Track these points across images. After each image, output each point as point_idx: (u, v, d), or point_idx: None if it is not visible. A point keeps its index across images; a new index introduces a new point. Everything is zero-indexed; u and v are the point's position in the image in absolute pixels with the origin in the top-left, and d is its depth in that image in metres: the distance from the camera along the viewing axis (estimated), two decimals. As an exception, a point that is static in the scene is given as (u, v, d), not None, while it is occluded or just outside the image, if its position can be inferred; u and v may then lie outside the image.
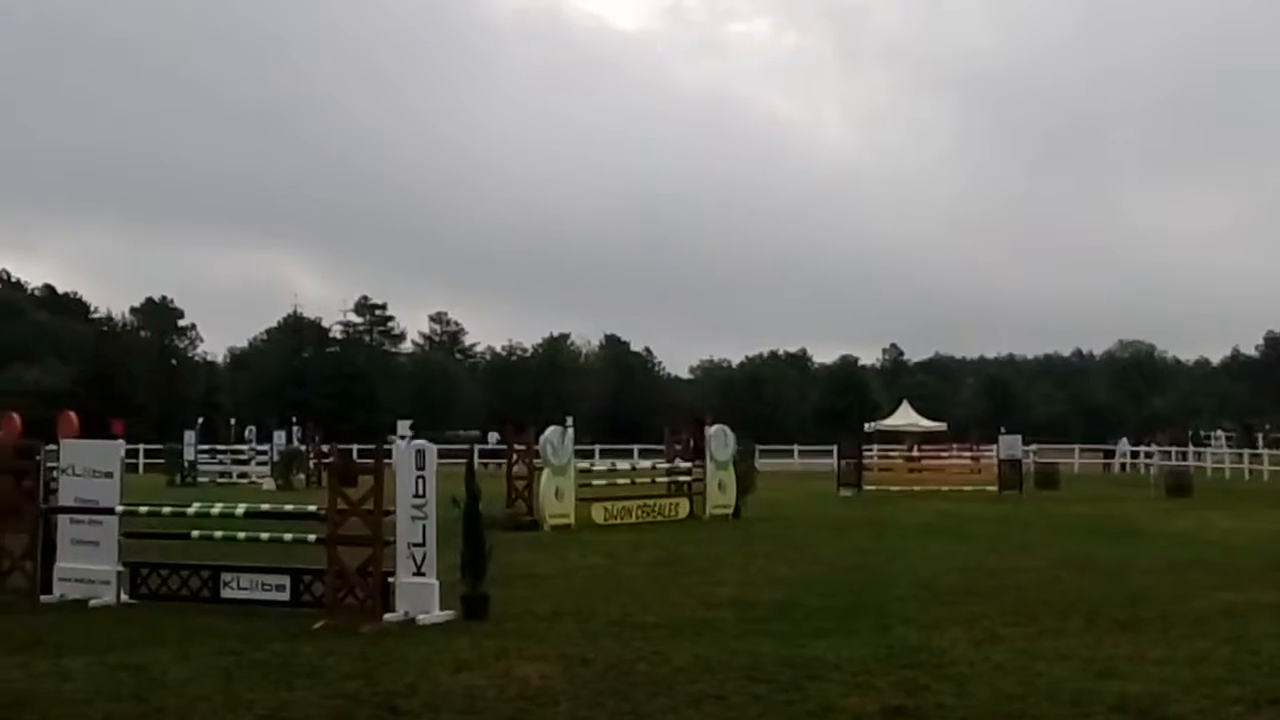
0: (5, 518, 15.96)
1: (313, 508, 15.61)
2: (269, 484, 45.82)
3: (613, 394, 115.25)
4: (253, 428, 54.87)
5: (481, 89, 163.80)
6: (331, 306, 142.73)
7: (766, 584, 17.27)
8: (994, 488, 42.06)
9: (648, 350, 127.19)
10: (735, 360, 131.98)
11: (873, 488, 42.49)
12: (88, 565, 15.64)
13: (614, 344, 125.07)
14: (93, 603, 15.26)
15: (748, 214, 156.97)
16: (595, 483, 30.17)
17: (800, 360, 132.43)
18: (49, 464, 16.40)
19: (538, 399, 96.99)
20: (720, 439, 31.45)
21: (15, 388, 78.19)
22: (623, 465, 34.81)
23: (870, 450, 56.65)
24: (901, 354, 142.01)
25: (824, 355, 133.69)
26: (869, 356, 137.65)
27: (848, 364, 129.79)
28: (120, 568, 15.56)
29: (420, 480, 14.07)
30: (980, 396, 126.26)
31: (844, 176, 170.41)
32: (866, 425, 71.78)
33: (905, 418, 76.65)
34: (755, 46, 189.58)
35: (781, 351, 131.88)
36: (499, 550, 14.99)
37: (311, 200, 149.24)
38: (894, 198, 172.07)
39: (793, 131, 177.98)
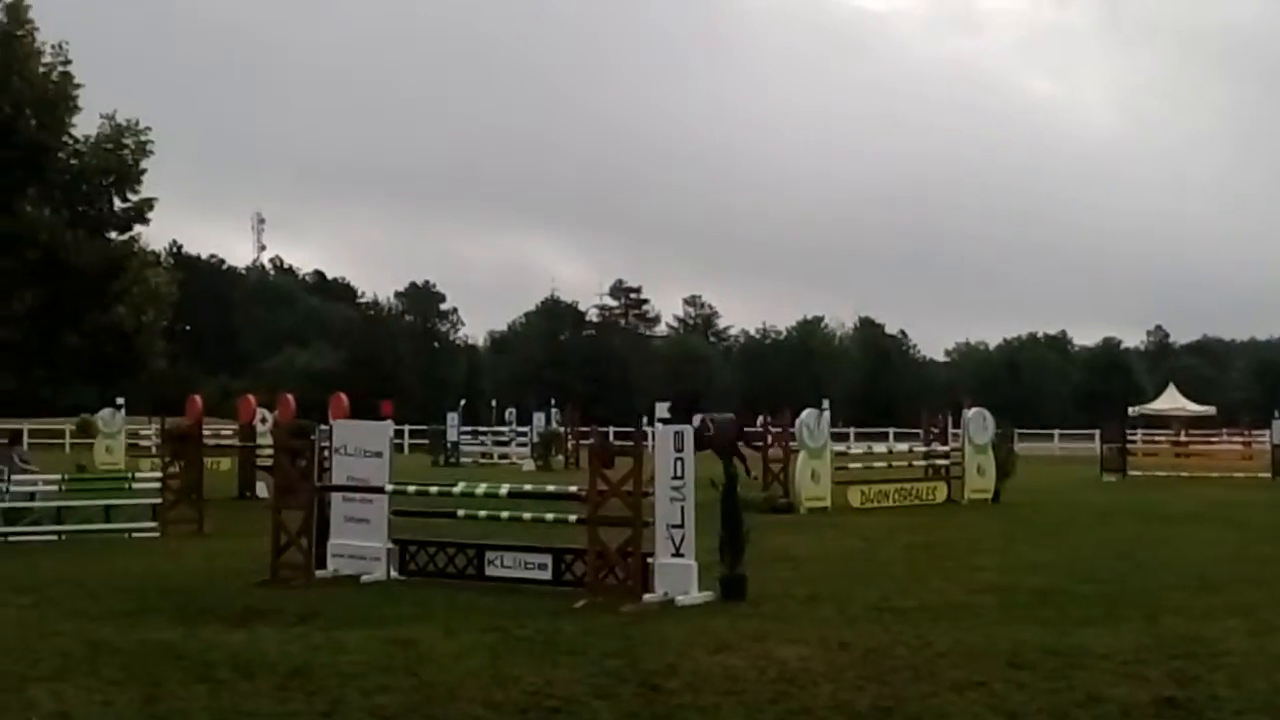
0: (282, 495, 16.64)
1: (574, 488, 15.87)
2: (529, 465, 46.71)
3: (867, 377, 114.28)
4: (513, 410, 56.00)
5: (732, 72, 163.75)
6: (588, 290, 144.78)
7: (1028, 570, 16.93)
8: (1267, 474, 40.45)
9: (902, 332, 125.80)
10: (993, 342, 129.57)
11: (1137, 473, 41.26)
12: (359, 542, 16.21)
13: (868, 326, 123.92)
14: (364, 578, 15.80)
15: (1006, 193, 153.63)
16: (851, 466, 29.97)
17: (1060, 342, 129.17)
18: (322, 444, 17.03)
19: (791, 382, 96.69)
20: (979, 422, 30.92)
21: (289, 370, 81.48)
22: (879, 448, 34.53)
23: (1134, 435, 55.01)
24: (1167, 336, 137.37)
25: (1085, 337, 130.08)
26: (1132, 339, 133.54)
27: (1110, 346, 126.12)
28: (390, 545, 16.07)
29: (679, 462, 14.18)
30: (1251, 380, 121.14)
31: (1106, 153, 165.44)
32: (1130, 409, 69.68)
33: (1171, 402, 74.14)
34: (1012, 23, 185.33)
35: (1041, 333, 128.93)
36: (755, 532, 15.02)
37: (569, 184, 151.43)
38: (1158, 174, 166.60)
39: (1052, 108, 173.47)
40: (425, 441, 55.83)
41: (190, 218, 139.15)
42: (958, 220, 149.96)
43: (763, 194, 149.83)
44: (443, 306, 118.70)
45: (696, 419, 31.55)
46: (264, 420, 32.75)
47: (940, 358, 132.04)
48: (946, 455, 30.92)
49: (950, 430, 31.89)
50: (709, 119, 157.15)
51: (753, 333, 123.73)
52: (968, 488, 29.96)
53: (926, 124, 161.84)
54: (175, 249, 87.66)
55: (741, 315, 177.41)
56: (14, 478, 22.96)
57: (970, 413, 31.24)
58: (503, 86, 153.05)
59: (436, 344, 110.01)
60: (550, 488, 17.73)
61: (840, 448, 31.71)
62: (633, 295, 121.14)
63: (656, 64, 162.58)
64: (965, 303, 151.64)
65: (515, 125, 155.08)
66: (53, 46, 24.85)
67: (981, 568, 17.22)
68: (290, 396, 33.49)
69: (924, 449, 31.90)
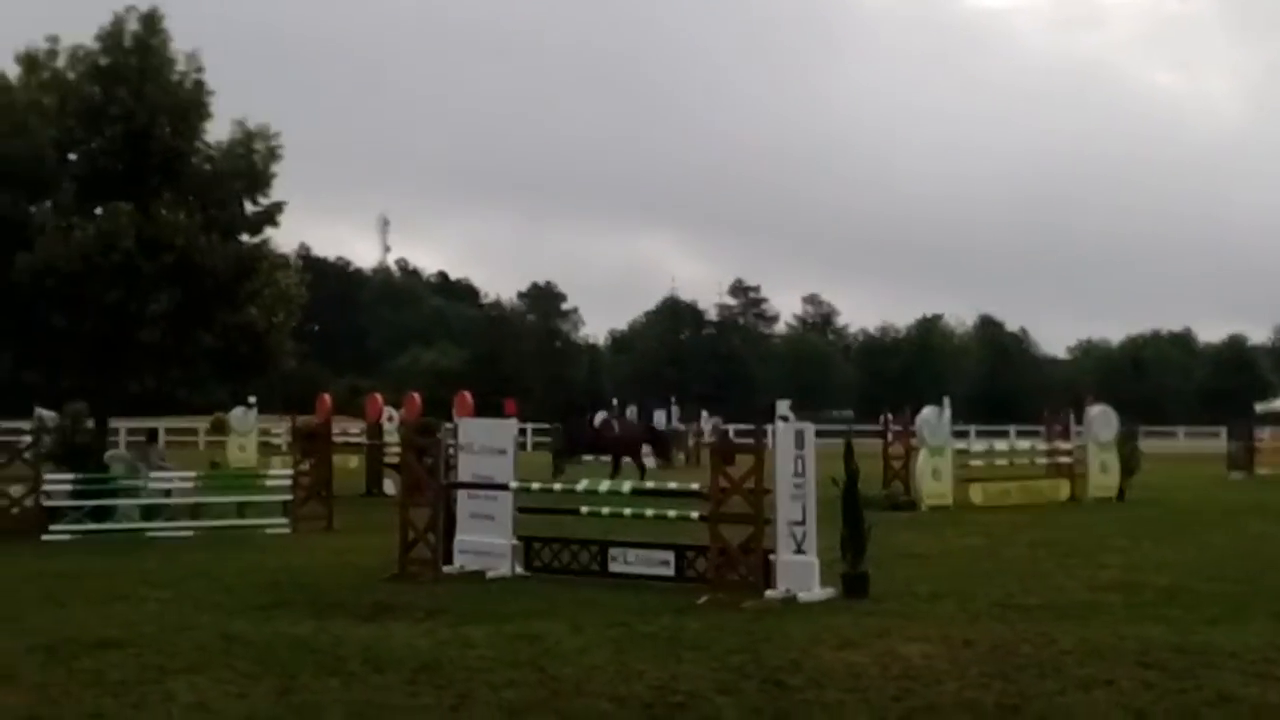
0: (410, 492, 16.95)
1: (695, 486, 15.97)
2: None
3: (987, 374, 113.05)
4: (633, 408, 56.18)
5: (850, 71, 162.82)
6: (707, 289, 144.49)
7: (1153, 568, 16.74)
8: (1400, 472, 39.49)
9: (1023, 330, 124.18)
10: (1115, 339, 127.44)
11: (1265, 471, 40.51)
12: (485, 538, 16.45)
13: (988, 324, 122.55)
14: (490, 574, 16.03)
15: (1128, 188, 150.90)
16: (973, 463, 29.79)
17: (1184, 339, 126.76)
18: (448, 442, 17.31)
19: (911, 380, 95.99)
20: (1103, 419, 30.57)
21: (414, 369, 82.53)
22: (1000, 445, 34.24)
23: (1263, 433, 53.91)
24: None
25: (1210, 334, 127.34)
26: (1259, 335, 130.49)
27: (1236, 342, 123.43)
28: (515, 541, 16.29)
29: (799, 460, 14.24)
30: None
31: (1232, 146, 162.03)
32: (1257, 406, 68.22)
33: (1298, 399, 72.36)
34: (1134, 15, 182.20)
35: (1164, 330, 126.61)
36: (877, 529, 15.03)
37: (688, 184, 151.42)
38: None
39: (1175, 101, 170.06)
40: (549, 439, 56.19)
41: (317, 221, 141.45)
42: (1079, 216, 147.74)
43: (882, 192, 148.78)
44: (564, 306, 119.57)
45: (601, 416, 31.62)
46: (390, 419, 33.27)
47: (1062, 355, 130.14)
48: (1069, 452, 30.59)
49: (1073, 427, 31.52)
50: (827, 118, 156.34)
51: (872, 331, 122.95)
52: (1091, 485, 29.63)
53: (1048, 120, 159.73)
54: (304, 251, 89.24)
55: (861, 313, 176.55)
56: (152, 475, 23.59)
57: (1094, 410, 30.89)
58: (622, 88, 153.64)
59: (558, 343, 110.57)
60: (672, 485, 17.81)
61: (961, 445, 31.45)
62: (752, 294, 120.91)
63: (775, 63, 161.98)
64: (1087, 300, 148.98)
65: (635, 126, 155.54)
66: (186, 55, 25.46)
67: (1106, 565, 17.07)
68: (416, 395, 34.04)
69: (1046, 446, 31.59)
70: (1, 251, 23.23)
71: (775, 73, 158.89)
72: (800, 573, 14.01)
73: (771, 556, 14.14)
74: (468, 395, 32.69)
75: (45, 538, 21.13)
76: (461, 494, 16.79)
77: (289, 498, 23.20)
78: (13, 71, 25.01)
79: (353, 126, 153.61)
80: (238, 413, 42.38)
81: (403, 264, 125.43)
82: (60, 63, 25.32)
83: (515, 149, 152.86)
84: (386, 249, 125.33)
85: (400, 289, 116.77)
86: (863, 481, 15.12)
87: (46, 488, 22.23)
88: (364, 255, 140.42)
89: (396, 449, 28.47)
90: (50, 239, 22.85)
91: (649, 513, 15.77)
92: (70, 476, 22.64)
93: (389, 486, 29.94)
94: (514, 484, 16.36)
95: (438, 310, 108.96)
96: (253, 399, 41.64)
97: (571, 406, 33.13)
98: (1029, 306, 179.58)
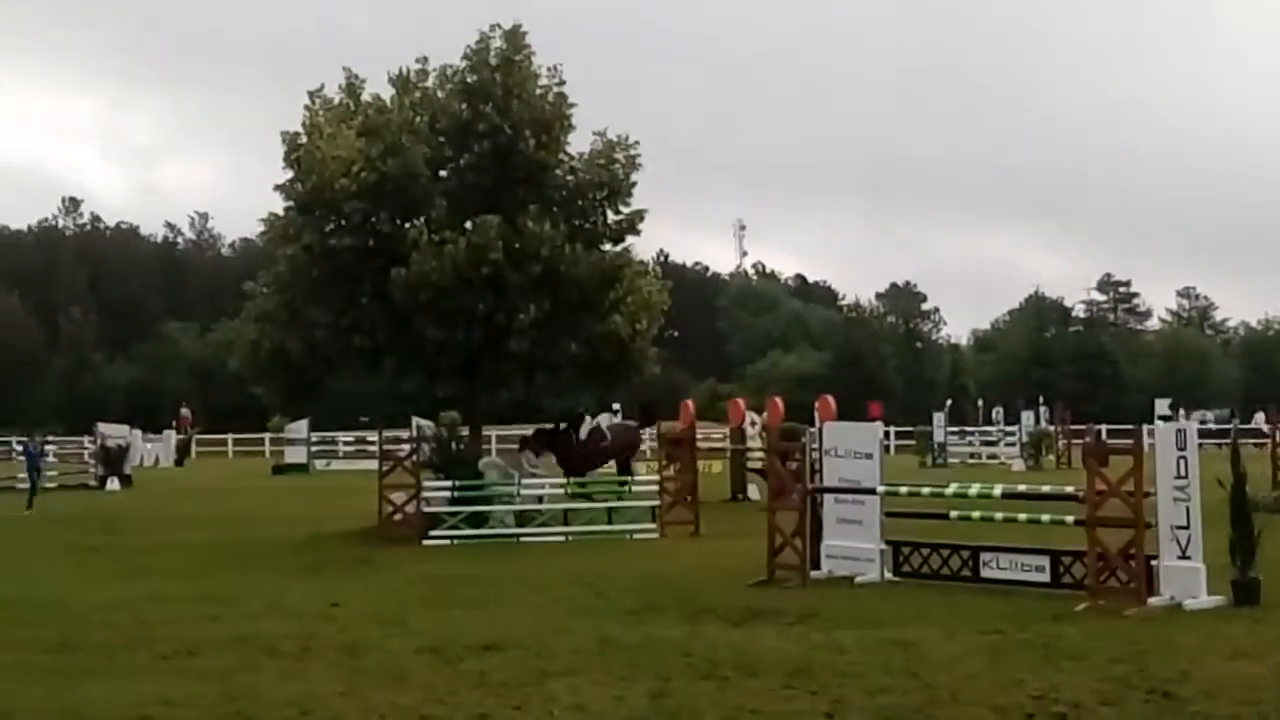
0: (775, 497, 16.93)
1: (1070, 489, 15.46)
2: (1018, 464, 45.74)
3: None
4: (999, 409, 55.07)
5: (1219, 59, 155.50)
6: (1073, 285, 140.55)
7: None
8: None
9: None
10: None
11: None
12: (852, 543, 16.31)
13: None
14: (858, 579, 15.87)
15: None
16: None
17: None
18: (812, 446, 17.22)
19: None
20: None
21: (774, 373, 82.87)
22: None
23: None
24: None
25: None
26: None
27: None
28: (883, 546, 16.09)
29: (1182, 461, 13.60)
30: None
31: None
32: None
33: None
34: None
35: None
36: (1266, 533, 14.20)
37: (1049, 178, 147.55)
38: None
39: None
40: (911, 442, 55.54)
41: (675, 227, 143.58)
42: None
43: (1260, 181, 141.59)
44: (924, 306, 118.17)
45: (589, 424, 29.20)
46: (753, 423, 33.38)
47: None
48: None
49: None
50: (1195, 108, 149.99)
51: (1254, 324, 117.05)
52: None
53: None
54: (662, 258, 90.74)
55: (1241, 307, 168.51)
56: (524, 481, 24.28)
57: None
58: (982, 85, 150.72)
59: (919, 344, 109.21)
60: (1045, 488, 17.28)
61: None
62: (1122, 289, 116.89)
63: (1142, 51, 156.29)
64: None
65: (990, 121, 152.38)
66: (548, 69, 26.11)
67: None
68: (778, 399, 34.07)
69: None
70: (380, 267, 24.28)
71: (1137, 54, 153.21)
72: (1185, 579, 13.37)
73: (1154, 562, 13.54)
74: (830, 399, 32.56)
75: (425, 543, 21.99)
76: (828, 498, 16.69)
77: (656, 503, 23.51)
78: (387, 93, 26.15)
79: (709, 132, 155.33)
80: (602, 419, 43.26)
81: (759, 267, 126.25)
82: (430, 83, 26.36)
83: (867, 147, 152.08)
84: (743, 253, 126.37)
85: (758, 293, 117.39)
86: (1249, 484, 14.35)
87: (426, 494, 23.15)
88: (720, 260, 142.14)
89: (760, 454, 28.54)
90: (424, 254, 23.72)
91: (1021, 517, 15.31)
92: (448, 484, 23.51)
93: (753, 491, 30.05)
94: (881, 488, 16.16)
95: (796, 313, 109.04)
96: (616, 406, 42.46)
97: (562, 420, 28.51)
98: None
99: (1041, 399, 55.30)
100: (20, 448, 40.46)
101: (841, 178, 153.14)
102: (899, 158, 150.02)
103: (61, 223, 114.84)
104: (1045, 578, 14.73)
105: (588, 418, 30.03)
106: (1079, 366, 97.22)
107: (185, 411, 66.27)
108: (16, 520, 29.01)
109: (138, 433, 52.31)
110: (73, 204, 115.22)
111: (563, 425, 28.74)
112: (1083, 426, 48.80)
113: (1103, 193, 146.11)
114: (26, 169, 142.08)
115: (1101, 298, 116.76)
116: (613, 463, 30.06)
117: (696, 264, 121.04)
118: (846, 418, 23.42)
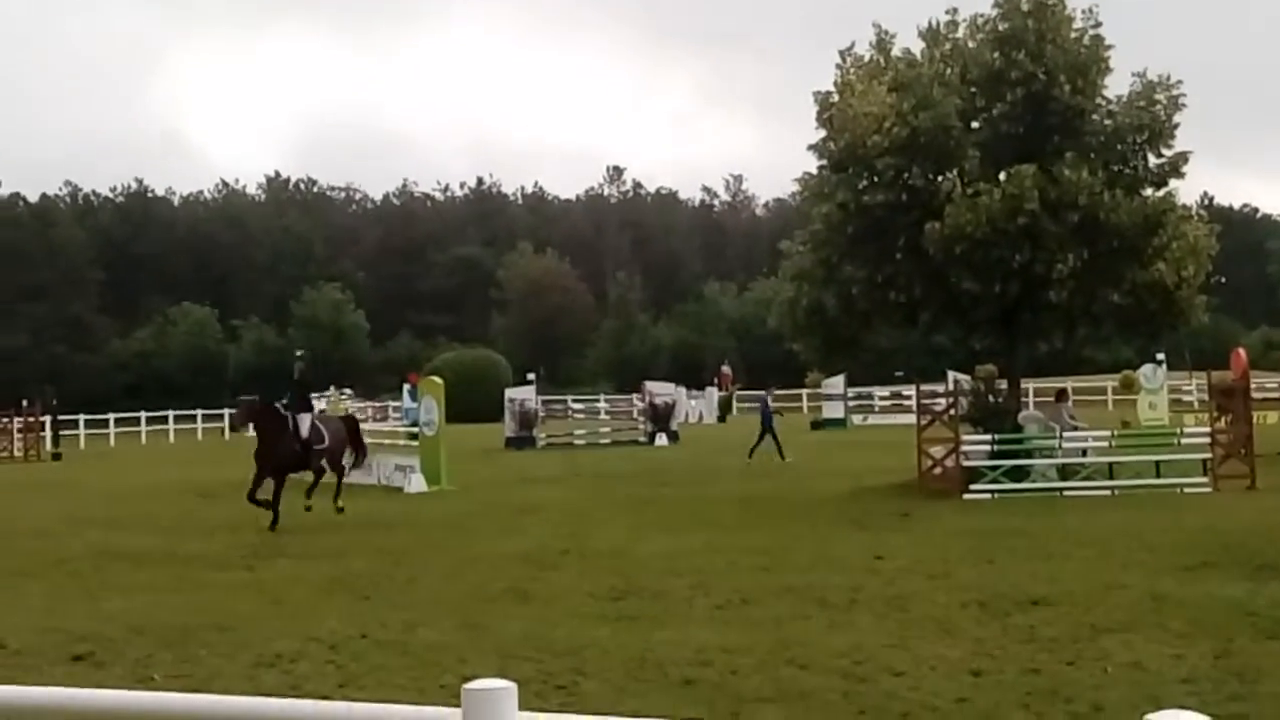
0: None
1: None
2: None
3: None
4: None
5: None
6: None
7: None
8: None
9: None
10: None
11: None
12: None
13: None
14: None
15: None
16: None
17: None
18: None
19: None
20: None
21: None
22: None
23: None
24: None
25: None
26: None
27: None
28: None
29: None
30: None
31: None
32: None
33: None
34: None
35: None
36: None
37: None
38: None
39: None
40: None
41: (1221, 166, 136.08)
42: None
43: None
44: None
45: (305, 420, 21.83)
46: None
47: None
48: None
49: None
50: None
51: None
52: None
53: None
54: (1206, 200, 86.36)
55: None
56: (1065, 434, 23.81)
57: None
58: None
59: None
60: None
61: None
62: None
63: None
64: None
65: None
66: (1083, 11, 25.33)
67: None
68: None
69: None
70: (913, 222, 24.27)
71: None
72: None
73: None
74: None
75: (966, 496, 21.93)
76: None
77: (1207, 456, 22.56)
78: (917, 47, 26.05)
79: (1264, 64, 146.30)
80: (1146, 370, 41.72)
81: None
82: (960, 33, 26.08)
83: None
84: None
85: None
86: None
87: (965, 448, 23.07)
88: (1269, 201, 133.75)
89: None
90: (958, 206, 23.53)
91: None
92: (987, 437, 23.35)
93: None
94: None
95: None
96: (1161, 356, 40.87)
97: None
98: None
99: None
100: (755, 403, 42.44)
101: None
102: None
103: (606, 190, 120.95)
104: None
105: (307, 412, 23.51)
106: None
107: (726, 369, 68.45)
108: (606, 475, 30.71)
109: (682, 390, 54.41)
110: (616, 172, 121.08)
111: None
112: None
113: None
114: (572, 144, 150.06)
115: None
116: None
117: (1245, 205, 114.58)
118: None
